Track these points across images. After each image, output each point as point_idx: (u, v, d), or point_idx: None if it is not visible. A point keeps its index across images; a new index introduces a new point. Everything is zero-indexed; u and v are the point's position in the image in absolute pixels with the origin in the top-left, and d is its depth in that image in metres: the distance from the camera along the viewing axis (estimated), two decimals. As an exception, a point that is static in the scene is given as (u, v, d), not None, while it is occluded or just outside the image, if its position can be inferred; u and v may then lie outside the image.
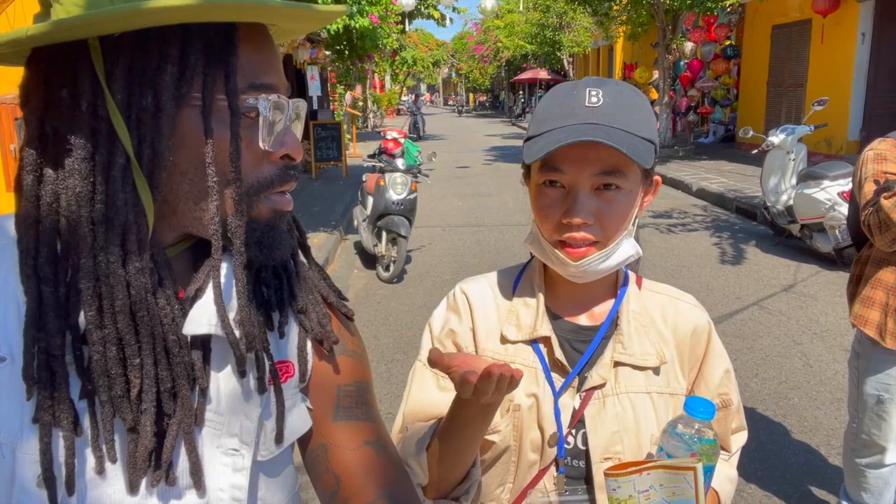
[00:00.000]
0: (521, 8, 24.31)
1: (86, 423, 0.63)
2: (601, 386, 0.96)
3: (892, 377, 2.12)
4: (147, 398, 0.62)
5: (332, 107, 15.50)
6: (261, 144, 0.64)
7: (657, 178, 0.98)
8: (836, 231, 5.60)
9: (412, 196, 5.91)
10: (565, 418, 0.95)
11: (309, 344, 0.76)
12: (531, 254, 1.06)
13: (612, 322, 0.99)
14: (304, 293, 0.76)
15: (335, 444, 0.74)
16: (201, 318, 0.66)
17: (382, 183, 5.88)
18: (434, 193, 9.67)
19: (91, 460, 0.63)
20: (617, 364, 0.97)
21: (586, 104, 0.88)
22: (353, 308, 0.83)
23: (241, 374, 0.68)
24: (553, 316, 1.01)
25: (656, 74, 14.43)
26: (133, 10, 0.54)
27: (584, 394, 0.96)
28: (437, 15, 20.32)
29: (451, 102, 65.07)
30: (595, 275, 0.94)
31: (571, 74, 25.42)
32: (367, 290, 5.73)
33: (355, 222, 6.81)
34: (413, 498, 0.75)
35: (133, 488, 0.64)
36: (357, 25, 8.19)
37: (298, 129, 0.72)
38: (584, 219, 0.88)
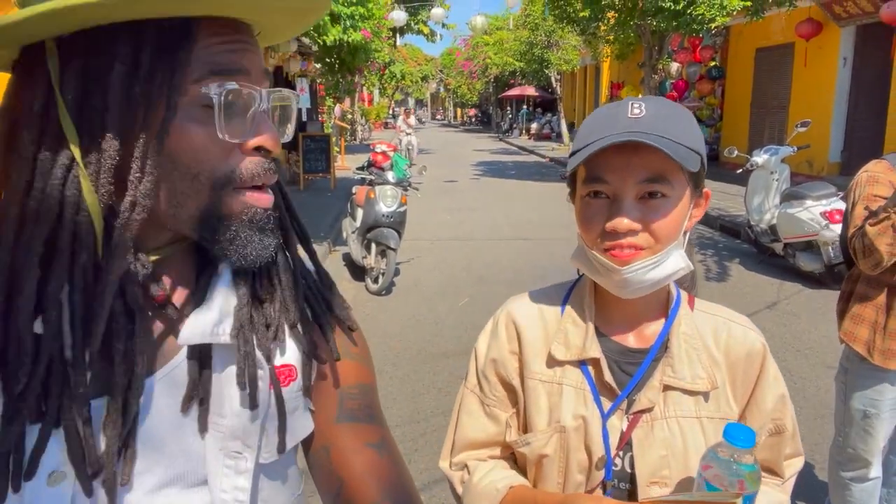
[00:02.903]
0: (510, 25, 24.60)
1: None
2: (649, 409, 0.94)
3: (879, 393, 2.16)
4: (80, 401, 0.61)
5: (320, 119, 15.53)
6: (218, 134, 0.61)
7: (707, 190, 0.96)
8: (829, 248, 5.70)
9: (402, 209, 5.94)
10: (613, 440, 0.93)
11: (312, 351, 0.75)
12: (577, 271, 1.04)
13: (663, 344, 0.97)
14: (309, 298, 0.76)
15: (338, 447, 0.74)
16: (198, 327, 0.66)
17: (373, 195, 5.90)
18: (422, 207, 9.71)
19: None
20: (666, 388, 0.95)
21: (629, 115, 0.88)
22: None
23: (243, 388, 0.67)
24: (602, 336, 0.99)
25: (643, 94, 14.62)
26: (53, 10, 0.54)
27: (631, 416, 0.94)
28: (426, 31, 20.50)
29: (438, 117, 65.43)
30: (643, 285, 0.91)
31: (559, 91, 25.68)
32: (355, 301, 5.73)
33: (344, 234, 6.81)
34: (415, 500, 0.75)
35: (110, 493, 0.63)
36: (350, 39, 8.25)
37: (290, 122, 0.70)
38: (631, 221, 0.87)
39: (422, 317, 5.35)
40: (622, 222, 0.86)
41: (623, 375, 0.97)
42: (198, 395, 0.67)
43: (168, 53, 0.59)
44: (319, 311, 0.77)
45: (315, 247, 0.84)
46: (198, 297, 0.68)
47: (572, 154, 0.93)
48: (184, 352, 0.68)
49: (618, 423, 0.94)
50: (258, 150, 0.64)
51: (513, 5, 15.67)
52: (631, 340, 0.99)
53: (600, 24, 12.52)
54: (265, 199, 0.65)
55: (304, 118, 12.27)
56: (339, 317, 0.79)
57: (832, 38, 10.85)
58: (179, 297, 0.69)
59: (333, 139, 12.53)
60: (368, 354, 0.84)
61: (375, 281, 5.93)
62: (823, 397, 3.76)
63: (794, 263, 6.22)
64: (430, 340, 4.82)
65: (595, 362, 0.96)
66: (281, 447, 0.71)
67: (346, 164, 15.05)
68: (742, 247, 7.61)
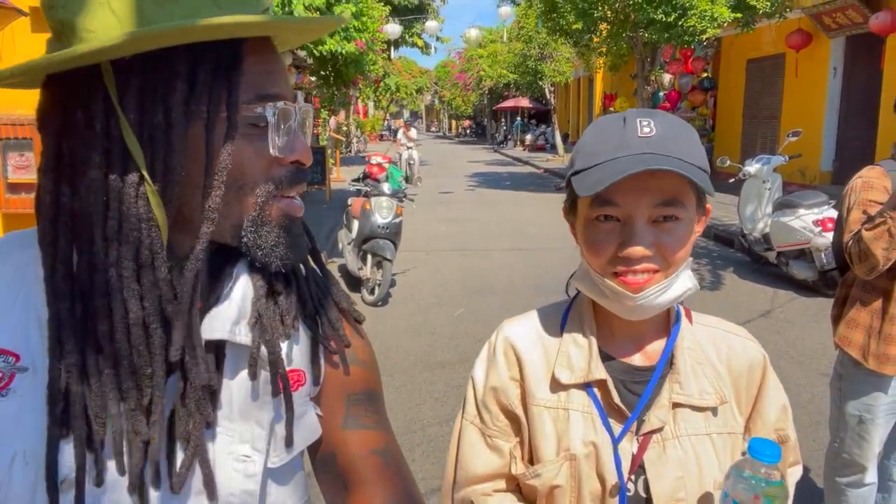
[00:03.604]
0: (503, 38, 24.77)
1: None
2: (660, 429, 0.91)
3: (874, 398, 2.17)
4: (156, 409, 0.64)
5: (315, 131, 15.58)
6: (271, 151, 0.66)
7: (709, 206, 0.95)
8: (822, 254, 5.74)
9: (398, 220, 5.95)
10: (624, 465, 0.90)
11: (321, 350, 0.77)
12: (576, 289, 1.01)
13: (668, 361, 0.94)
14: (317, 297, 0.78)
15: (344, 452, 0.75)
16: (216, 323, 0.68)
17: (368, 207, 5.92)
18: (418, 218, 9.73)
19: (111, 470, 0.64)
20: (675, 405, 0.92)
21: (639, 135, 0.84)
22: None
23: (254, 378, 0.69)
24: (605, 356, 0.95)
25: (637, 105, 14.74)
26: (145, 35, 0.57)
27: (641, 438, 0.91)
28: (421, 43, 20.64)
29: (433, 129, 65.71)
30: (653, 310, 0.89)
31: (553, 103, 25.84)
32: (351, 313, 5.72)
33: (340, 245, 6.82)
34: None
35: (143, 496, 0.65)
36: (343, 51, 8.31)
37: (308, 134, 0.74)
38: (645, 249, 0.84)
39: (418, 327, 5.35)
40: (637, 250, 0.83)
41: (630, 396, 0.93)
42: (211, 388, 0.68)
43: (224, 72, 0.63)
44: (329, 308, 0.79)
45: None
46: (216, 296, 0.70)
47: (576, 172, 0.88)
48: None
49: (628, 447, 0.91)
50: (295, 162, 0.69)
51: (506, 18, 15.81)
52: (635, 359, 0.96)
53: (593, 36, 12.63)
54: (298, 208, 0.71)
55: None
56: (345, 309, 0.81)
57: (822, 48, 10.97)
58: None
59: (329, 151, 12.56)
60: (375, 362, 0.85)
61: (371, 292, 5.93)
62: (818, 404, 3.77)
63: (788, 271, 6.26)
64: (427, 350, 4.83)
65: (601, 384, 0.93)
66: (289, 446, 0.72)
67: (341, 176, 15.08)
68: (736, 255, 7.65)
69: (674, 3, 9.85)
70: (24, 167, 3.96)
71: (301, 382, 0.75)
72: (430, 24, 16.88)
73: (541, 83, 24.35)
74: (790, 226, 5.96)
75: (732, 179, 6.99)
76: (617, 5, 10.95)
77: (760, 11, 9.95)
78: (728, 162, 7.15)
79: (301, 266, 0.77)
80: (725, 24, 9.99)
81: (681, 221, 0.86)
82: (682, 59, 15.06)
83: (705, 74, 15.01)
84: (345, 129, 22.92)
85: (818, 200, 5.94)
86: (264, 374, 0.70)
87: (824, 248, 5.64)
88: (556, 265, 6.99)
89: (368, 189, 6.16)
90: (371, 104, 33.86)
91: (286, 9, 7.42)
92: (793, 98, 11.84)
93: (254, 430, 0.70)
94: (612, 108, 17.63)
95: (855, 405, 2.21)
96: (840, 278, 2.33)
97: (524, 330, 1.01)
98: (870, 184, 2.14)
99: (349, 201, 6.65)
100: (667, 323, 0.97)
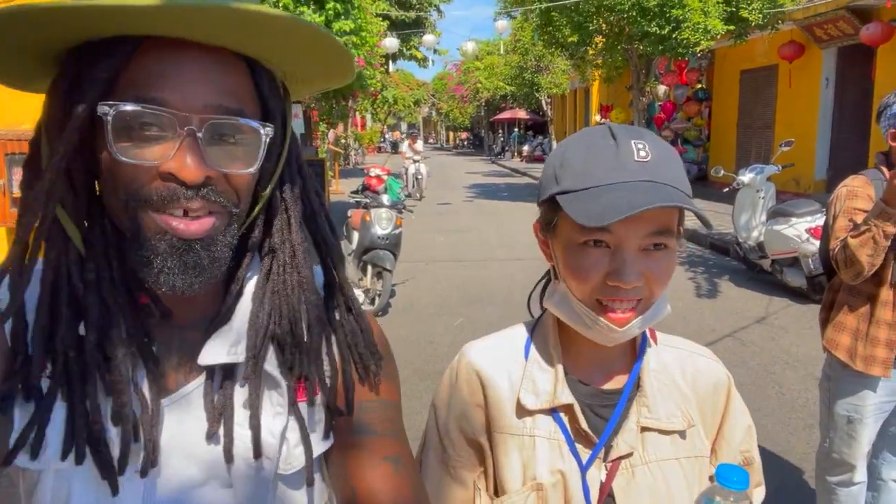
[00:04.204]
0: (500, 51, 24.98)
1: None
2: (628, 455, 0.88)
3: (861, 398, 2.23)
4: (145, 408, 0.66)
5: (314, 144, 15.69)
6: (109, 151, 0.61)
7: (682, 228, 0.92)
8: (809, 260, 5.84)
9: (397, 231, 6.03)
10: (593, 494, 0.87)
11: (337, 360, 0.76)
12: (542, 308, 0.98)
13: (635, 384, 0.92)
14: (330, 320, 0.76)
15: (354, 458, 0.75)
16: (217, 348, 0.69)
17: (368, 218, 6.00)
18: (416, 229, 9.81)
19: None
20: (644, 429, 0.89)
21: (636, 159, 0.81)
22: None
23: (255, 402, 0.70)
24: (571, 380, 0.92)
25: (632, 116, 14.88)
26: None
27: (610, 464, 0.88)
28: (419, 56, 20.82)
29: (430, 141, 65.95)
30: (629, 337, 0.87)
31: (550, 114, 26.03)
32: (351, 323, 5.78)
33: (340, 257, 6.89)
34: None
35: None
36: (343, 66, 8.46)
37: (251, 155, 0.65)
38: (636, 281, 0.81)
39: (417, 337, 5.41)
40: (629, 281, 0.80)
41: (597, 420, 0.90)
42: (217, 417, 0.69)
43: (96, 69, 0.61)
44: (345, 327, 0.77)
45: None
46: (220, 319, 0.71)
47: (565, 192, 0.83)
48: (204, 374, 0.70)
49: (597, 474, 0.88)
50: (172, 176, 0.61)
51: (503, 31, 15.98)
52: (602, 381, 0.93)
53: (588, 48, 12.78)
54: (177, 229, 0.62)
55: (299, 143, 12.43)
56: (369, 346, 0.78)
57: (814, 59, 11.12)
58: (203, 318, 0.72)
59: (328, 164, 12.66)
60: (394, 372, 0.83)
61: (372, 302, 6.00)
62: (812, 408, 3.84)
63: (782, 279, 6.34)
64: (426, 360, 4.89)
65: (568, 409, 0.89)
66: (301, 453, 0.73)
67: (339, 189, 15.18)
68: (731, 264, 7.73)
69: (667, 16, 10.00)
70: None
71: (314, 392, 0.74)
72: (428, 38, 17.08)
73: (537, 95, 24.55)
74: (783, 234, 6.05)
75: (727, 189, 7.09)
76: (612, 18, 11.11)
77: (753, 24, 10.11)
78: (722, 172, 7.25)
79: (314, 282, 0.75)
80: (718, 37, 10.13)
81: (669, 250, 0.84)
82: (677, 71, 15.23)
83: (700, 85, 15.17)
84: (343, 141, 23.05)
85: (811, 209, 6.04)
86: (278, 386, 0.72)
87: (811, 255, 5.74)
88: (553, 275, 7.06)
89: (368, 201, 6.24)
90: (369, 117, 34.05)
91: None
92: (786, 108, 11.98)
93: (265, 440, 0.71)
94: (606, 120, 17.76)
95: (843, 406, 2.28)
96: (827, 284, 2.40)
97: (488, 353, 0.96)
98: (854, 192, 2.21)
99: (349, 213, 6.72)
100: (633, 344, 0.94)
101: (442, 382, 0.98)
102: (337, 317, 0.76)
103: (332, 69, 0.73)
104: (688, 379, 0.94)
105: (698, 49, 10.43)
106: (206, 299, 0.72)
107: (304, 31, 0.63)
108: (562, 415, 0.90)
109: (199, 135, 0.61)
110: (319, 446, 0.75)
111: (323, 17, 8.12)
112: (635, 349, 0.94)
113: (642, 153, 0.81)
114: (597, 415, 0.90)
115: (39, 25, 0.58)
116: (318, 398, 0.75)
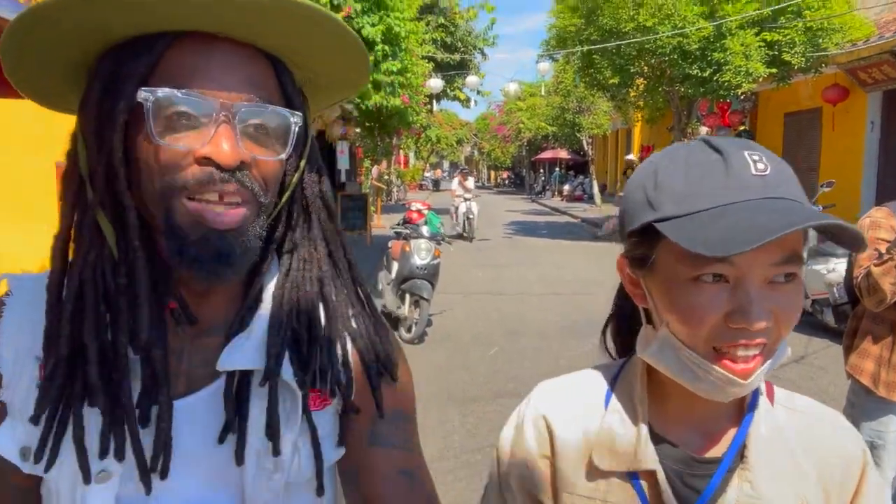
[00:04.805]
0: (542, 92, 25.37)
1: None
2: None
3: (885, 424, 2.27)
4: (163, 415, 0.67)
5: (358, 180, 16.16)
6: (151, 138, 0.62)
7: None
8: (834, 289, 5.89)
9: (436, 262, 6.22)
10: None
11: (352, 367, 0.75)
12: (611, 346, 0.90)
13: (738, 452, 0.76)
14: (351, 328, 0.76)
15: (366, 468, 0.74)
16: (236, 353, 0.69)
17: (408, 249, 6.21)
18: (455, 263, 9.99)
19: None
20: None
21: (753, 173, 0.67)
22: None
23: (274, 413, 0.70)
24: (659, 440, 0.77)
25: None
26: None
27: None
28: (462, 97, 21.34)
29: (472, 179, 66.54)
30: (750, 390, 0.72)
31: (591, 154, 26.16)
32: (389, 349, 5.93)
33: (379, 286, 7.10)
34: None
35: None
36: (389, 104, 8.79)
37: (283, 142, 0.68)
38: (766, 321, 0.66)
39: (453, 364, 5.54)
40: (757, 320, 0.65)
41: (687, 492, 0.75)
42: (233, 423, 0.69)
43: (131, 63, 0.63)
44: (368, 345, 0.76)
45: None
46: (240, 324, 0.71)
47: (666, 219, 0.69)
48: (223, 378, 0.70)
49: None
50: (208, 160, 0.62)
51: (545, 73, 16.32)
52: (696, 445, 0.77)
53: (629, 90, 12.96)
54: (214, 214, 0.63)
55: (343, 179, 12.90)
56: (389, 356, 0.78)
57: (859, 103, 11.05)
58: (224, 323, 0.72)
59: (370, 199, 13.03)
60: (410, 384, 0.82)
61: (409, 330, 6.16)
62: (848, 446, 3.79)
63: (822, 319, 6.27)
64: (461, 386, 5.00)
65: (650, 476, 0.76)
66: (312, 463, 0.73)
67: (381, 223, 15.53)
68: (772, 304, 7.63)
69: (709, 59, 10.13)
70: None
71: (327, 402, 0.74)
72: (472, 79, 17.54)
73: (579, 135, 24.76)
74: (822, 274, 6.03)
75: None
76: (653, 61, 11.28)
77: (796, 67, 10.14)
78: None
79: (335, 288, 0.76)
80: (761, 79, 10.19)
81: (798, 281, 0.69)
82: (720, 112, 15.24)
83: (743, 127, 15.12)
84: (386, 177, 23.59)
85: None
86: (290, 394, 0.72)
87: (836, 284, 5.78)
88: (590, 309, 7.12)
89: (408, 232, 6.47)
90: (412, 154, 34.77)
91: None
92: (831, 151, 11.88)
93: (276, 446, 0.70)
94: (634, 158, 17.74)
95: (867, 431, 2.31)
96: (851, 312, 2.47)
97: (561, 398, 0.84)
98: (877, 223, 2.30)
99: (389, 244, 6.95)
100: (741, 402, 0.77)
101: (508, 424, 0.87)
102: (351, 313, 0.76)
103: (349, 65, 0.74)
104: (810, 452, 0.76)
105: (740, 91, 10.50)
106: (227, 303, 0.73)
107: (327, 22, 0.66)
108: (642, 482, 0.76)
109: (235, 121, 0.63)
110: (331, 455, 0.75)
111: (372, 58, 8.52)
112: (743, 408, 0.78)
113: (759, 165, 0.68)
114: (687, 485, 0.76)
115: (83, 19, 0.61)
116: (331, 406, 0.75)
